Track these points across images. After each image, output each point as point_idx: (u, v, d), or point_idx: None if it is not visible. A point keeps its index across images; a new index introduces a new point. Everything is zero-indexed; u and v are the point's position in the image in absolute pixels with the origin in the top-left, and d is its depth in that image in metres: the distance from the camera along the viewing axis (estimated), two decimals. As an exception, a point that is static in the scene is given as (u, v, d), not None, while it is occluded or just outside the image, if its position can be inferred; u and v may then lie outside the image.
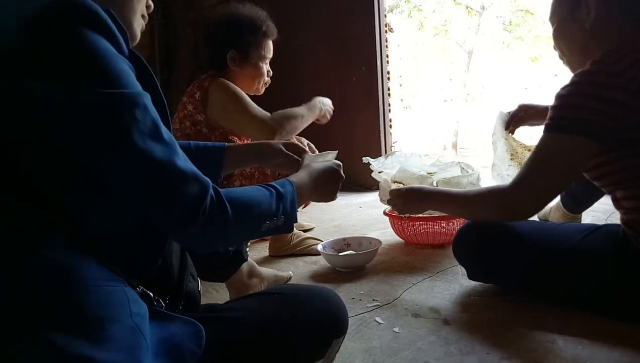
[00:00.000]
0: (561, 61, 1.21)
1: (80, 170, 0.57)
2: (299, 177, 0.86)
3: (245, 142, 1.77)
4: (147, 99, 0.58)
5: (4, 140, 0.55)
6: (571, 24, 1.12)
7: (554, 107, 1.06)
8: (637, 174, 1.01)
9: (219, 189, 0.65)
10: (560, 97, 1.06)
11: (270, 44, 1.75)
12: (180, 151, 0.61)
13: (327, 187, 0.93)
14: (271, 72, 1.80)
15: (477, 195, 1.21)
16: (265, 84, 1.79)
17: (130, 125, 0.55)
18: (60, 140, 0.55)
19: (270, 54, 1.76)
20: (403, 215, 1.71)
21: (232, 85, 1.63)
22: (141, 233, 0.64)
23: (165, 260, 0.70)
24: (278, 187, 0.75)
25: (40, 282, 0.52)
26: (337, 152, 1.08)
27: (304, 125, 1.73)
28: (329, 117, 1.86)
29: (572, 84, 1.04)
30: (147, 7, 0.76)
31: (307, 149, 1.06)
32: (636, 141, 1.00)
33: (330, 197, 0.95)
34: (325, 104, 1.84)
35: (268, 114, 1.65)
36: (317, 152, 1.75)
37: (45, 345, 0.49)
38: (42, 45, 0.53)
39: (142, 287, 0.64)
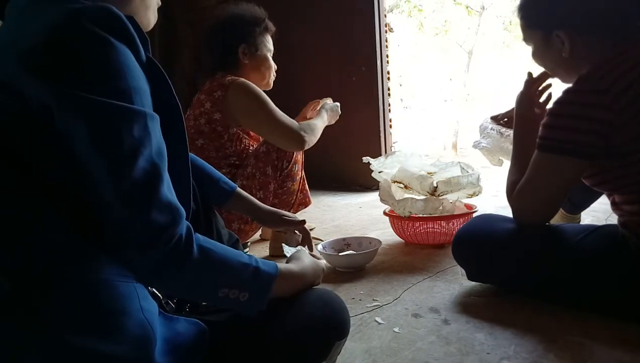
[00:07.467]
0: None
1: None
2: (287, 266, 0.79)
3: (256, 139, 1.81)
4: (152, 120, 0.59)
5: (13, 134, 0.55)
6: (548, 50, 1.12)
7: (544, 125, 1.07)
8: (634, 180, 1.02)
9: (196, 234, 0.63)
10: (549, 115, 1.06)
11: (270, 39, 1.84)
12: (166, 179, 0.60)
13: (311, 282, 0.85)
14: (275, 66, 1.86)
15: (514, 181, 1.18)
16: (273, 76, 1.86)
17: (126, 140, 0.56)
18: (65, 140, 0.55)
19: (272, 48, 1.84)
20: (403, 216, 1.71)
21: (253, 86, 1.66)
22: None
23: None
24: (261, 265, 0.69)
25: (52, 275, 0.52)
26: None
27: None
28: (337, 117, 1.94)
29: (561, 102, 1.04)
30: None
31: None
32: (629, 153, 1.00)
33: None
34: (332, 109, 1.89)
35: (295, 122, 1.67)
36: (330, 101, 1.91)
37: (51, 338, 0.50)
38: (63, 49, 0.55)
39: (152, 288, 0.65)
